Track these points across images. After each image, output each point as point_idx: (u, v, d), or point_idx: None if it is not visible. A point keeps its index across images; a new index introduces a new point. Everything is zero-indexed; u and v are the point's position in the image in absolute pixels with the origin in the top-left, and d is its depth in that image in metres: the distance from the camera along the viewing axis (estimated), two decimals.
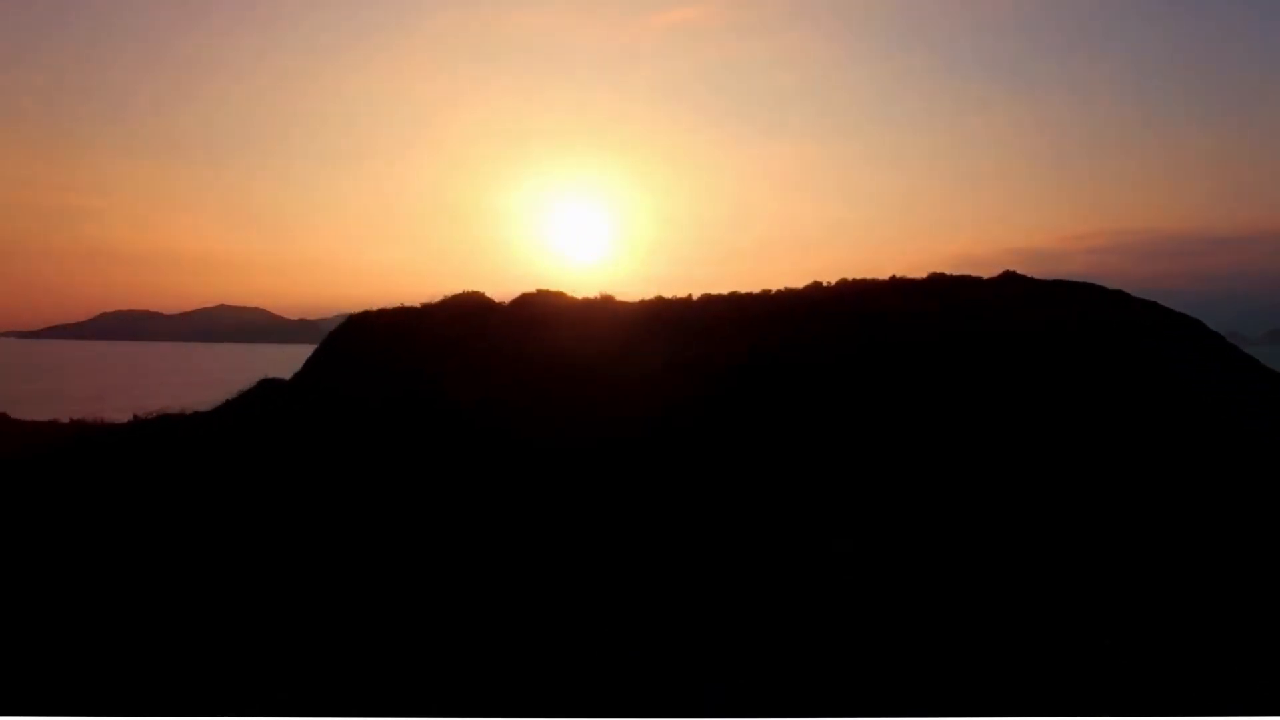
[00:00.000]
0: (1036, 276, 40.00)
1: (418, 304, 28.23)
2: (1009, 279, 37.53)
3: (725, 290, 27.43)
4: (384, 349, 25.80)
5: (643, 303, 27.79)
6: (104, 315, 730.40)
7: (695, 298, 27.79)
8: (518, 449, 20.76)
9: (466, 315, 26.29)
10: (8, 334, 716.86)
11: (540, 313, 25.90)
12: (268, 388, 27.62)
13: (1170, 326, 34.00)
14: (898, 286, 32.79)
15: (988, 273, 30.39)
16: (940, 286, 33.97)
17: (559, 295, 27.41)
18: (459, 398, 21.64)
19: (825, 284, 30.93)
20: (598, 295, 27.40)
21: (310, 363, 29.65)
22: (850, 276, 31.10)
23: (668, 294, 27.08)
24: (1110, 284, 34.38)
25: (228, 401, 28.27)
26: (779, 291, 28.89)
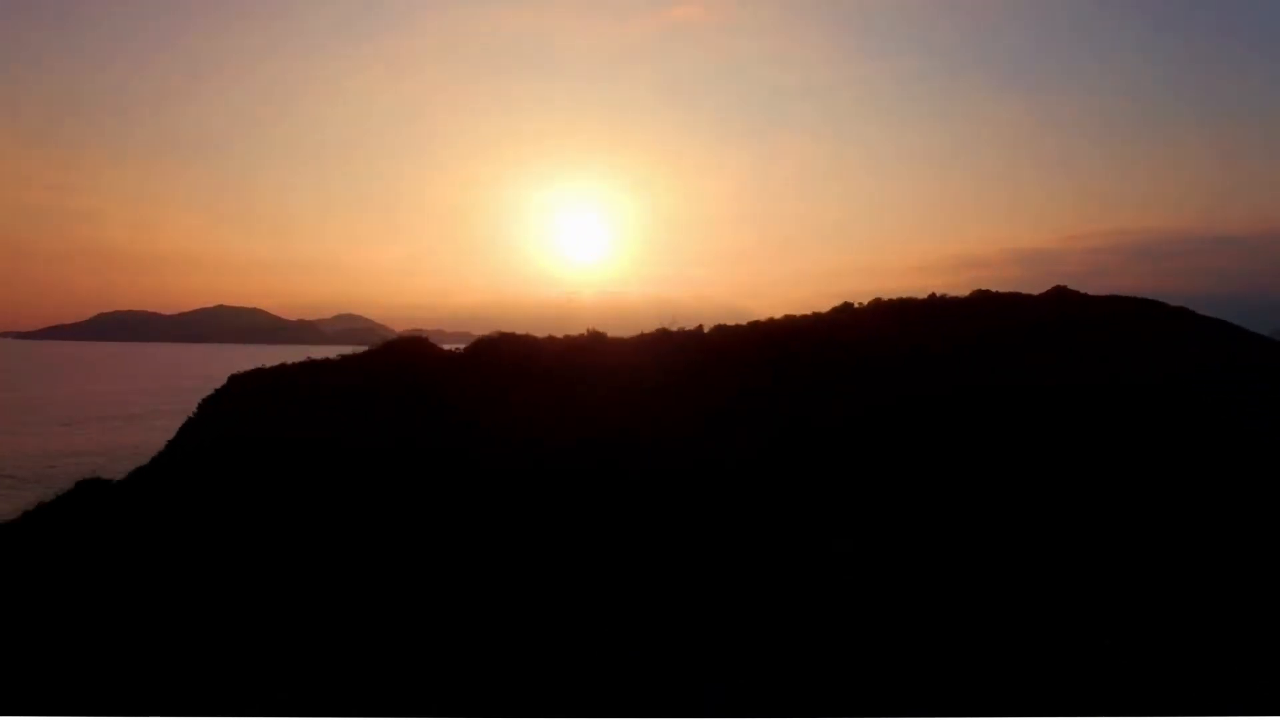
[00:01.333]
0: (1084, 291, 36.02)
1: (334, 354, 21.97)
2: (1059, 296, 33.28)
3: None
4: (282, 416, 19.16)
5: (642, 339, 21.90)
6: (102, 316, 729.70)
7: (707, 330, 22.32)
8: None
9: (396, 374, 19.69)
10: (5, 334, 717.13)
11: (501, 366, 19.62)
12: (87, 492, 19.10)
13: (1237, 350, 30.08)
14: (938, 308, 28.38)
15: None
16: (985, 307, 29.63)
17: (526, 340, 20.95)
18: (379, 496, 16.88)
19: (857, 305, 26.51)
20: (584, 333, 21.32)
21: (174, 445, 21.90)
22: (884, 296, 26.65)
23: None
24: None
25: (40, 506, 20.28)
26: (805, 318, 24.21)
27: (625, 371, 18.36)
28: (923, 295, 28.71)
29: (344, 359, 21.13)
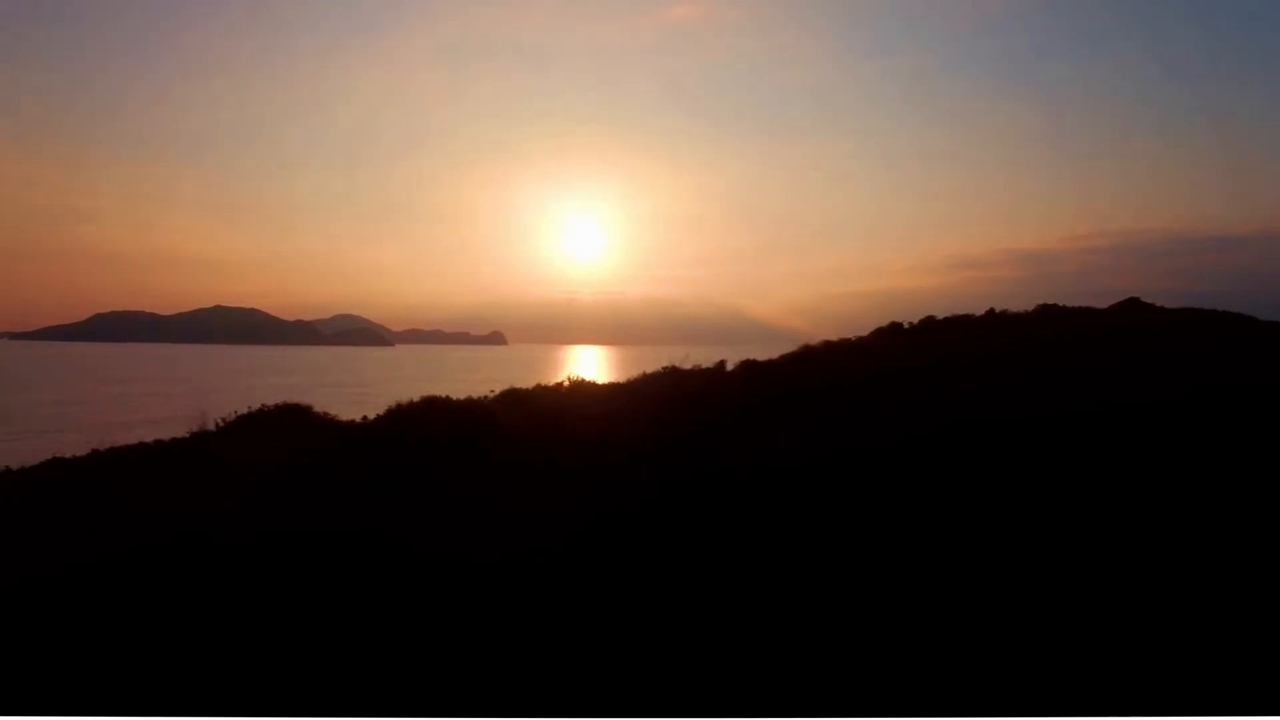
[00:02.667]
0: (1162, 304, 31.85)
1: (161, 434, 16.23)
2: (1132, 309, 28.84)
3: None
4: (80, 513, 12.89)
5: (644, 381, 16.67)
6: (99, 316, 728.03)
7: (730, 367, 17.03)
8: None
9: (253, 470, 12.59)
10: (1, 335, 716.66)
11: (422, 447, 12.96)
12: None
13: None
14: (999, 324, 23.89)
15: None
16: (1052, 321, 25.12)
17: (467, 408, 14.39)
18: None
19: (907, 325, 21.97)
20: (564, 382, 16.42)
21: None
22: (937, 314, 22.06)
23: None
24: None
25: None
26: (848, 345, 19.58)
27: (606, 450, 12.99)
28: (980, 311, 24.12)
29: (159, 445, 15.08)
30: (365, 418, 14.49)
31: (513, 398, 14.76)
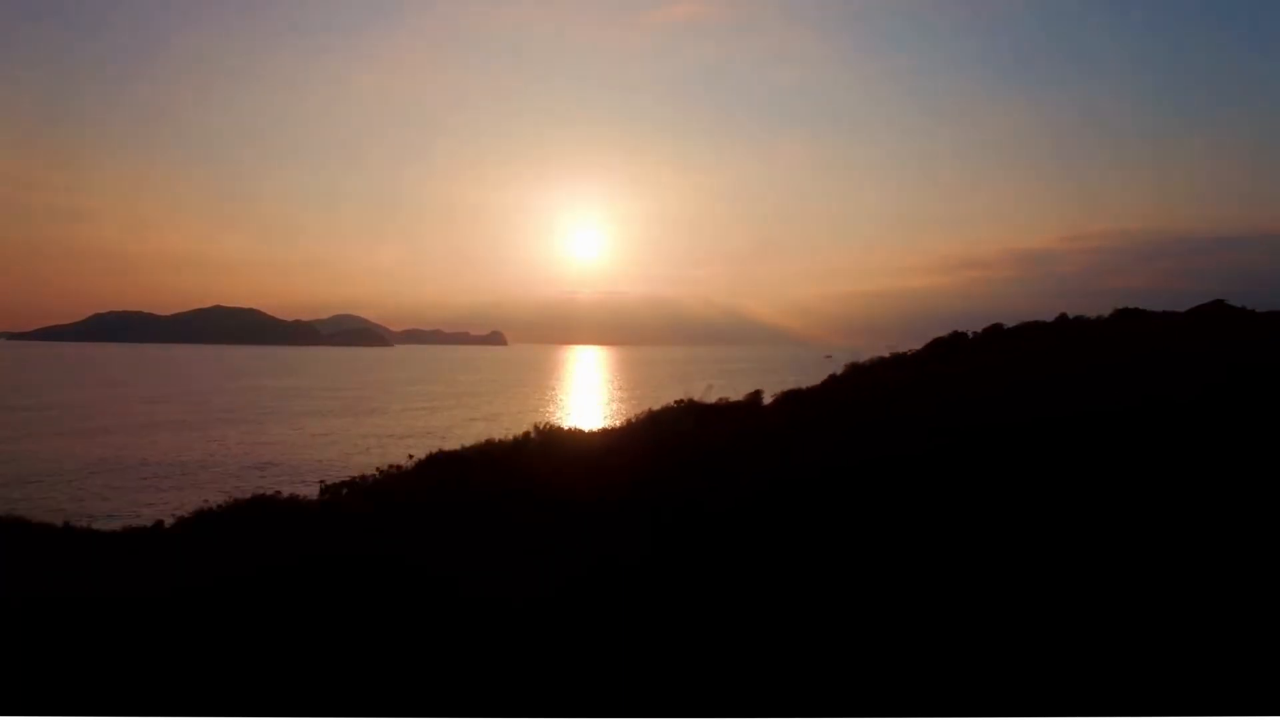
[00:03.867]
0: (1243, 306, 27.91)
1: None
2: (1219, 313, 24.81)
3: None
4: None
5: (652, 421, 12.41)
6: (97, 316, 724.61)
7: (768, 401, 13.07)
8: None
9: None
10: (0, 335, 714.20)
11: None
12: None
13: None
14: (1073, 331, 19.92)
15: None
16: (1134, 329, 21.07)
17: (318, 522, 9.78)
18: None
19: (971, 335, 17.95)
20: (530, 432, 11.98)
21: None
22: (1002, 322, 17.99)
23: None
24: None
25: None
26: (902, 360, 15.54)
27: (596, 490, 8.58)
28: (1049, 317, 20.11)
29: None
30: (163, 521, 10.00)
31: (441, 470, 10.04)
